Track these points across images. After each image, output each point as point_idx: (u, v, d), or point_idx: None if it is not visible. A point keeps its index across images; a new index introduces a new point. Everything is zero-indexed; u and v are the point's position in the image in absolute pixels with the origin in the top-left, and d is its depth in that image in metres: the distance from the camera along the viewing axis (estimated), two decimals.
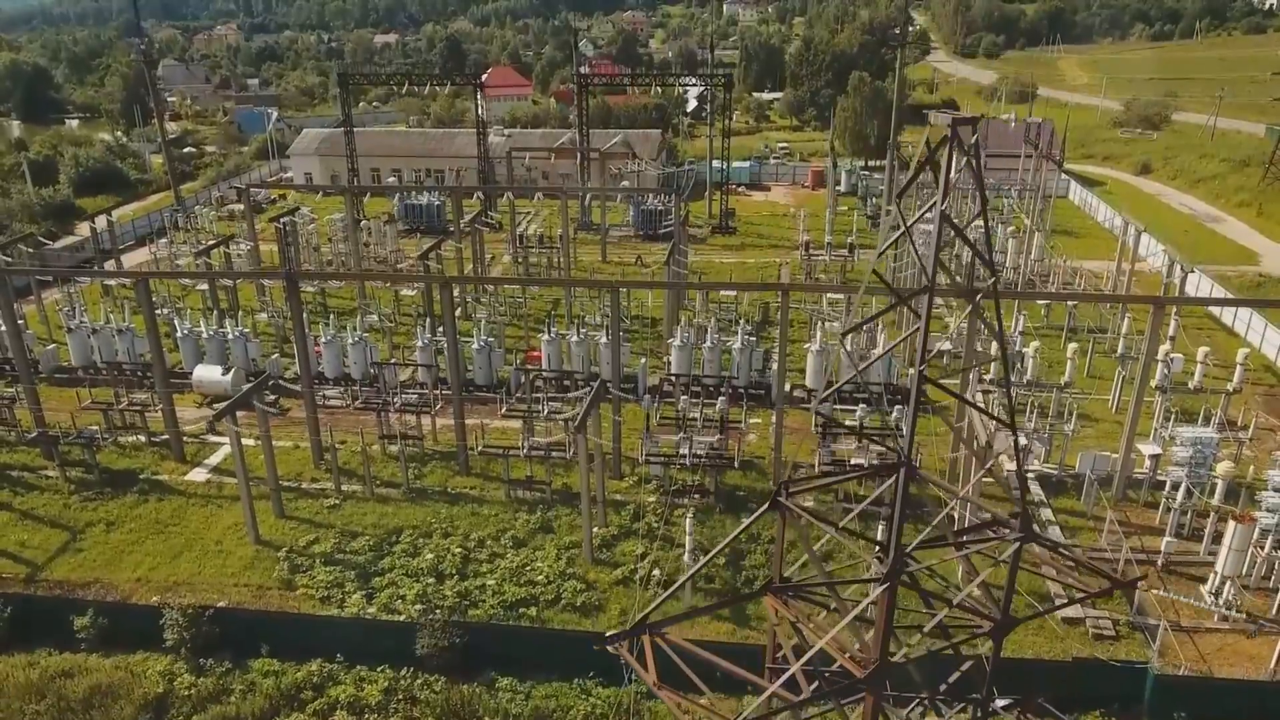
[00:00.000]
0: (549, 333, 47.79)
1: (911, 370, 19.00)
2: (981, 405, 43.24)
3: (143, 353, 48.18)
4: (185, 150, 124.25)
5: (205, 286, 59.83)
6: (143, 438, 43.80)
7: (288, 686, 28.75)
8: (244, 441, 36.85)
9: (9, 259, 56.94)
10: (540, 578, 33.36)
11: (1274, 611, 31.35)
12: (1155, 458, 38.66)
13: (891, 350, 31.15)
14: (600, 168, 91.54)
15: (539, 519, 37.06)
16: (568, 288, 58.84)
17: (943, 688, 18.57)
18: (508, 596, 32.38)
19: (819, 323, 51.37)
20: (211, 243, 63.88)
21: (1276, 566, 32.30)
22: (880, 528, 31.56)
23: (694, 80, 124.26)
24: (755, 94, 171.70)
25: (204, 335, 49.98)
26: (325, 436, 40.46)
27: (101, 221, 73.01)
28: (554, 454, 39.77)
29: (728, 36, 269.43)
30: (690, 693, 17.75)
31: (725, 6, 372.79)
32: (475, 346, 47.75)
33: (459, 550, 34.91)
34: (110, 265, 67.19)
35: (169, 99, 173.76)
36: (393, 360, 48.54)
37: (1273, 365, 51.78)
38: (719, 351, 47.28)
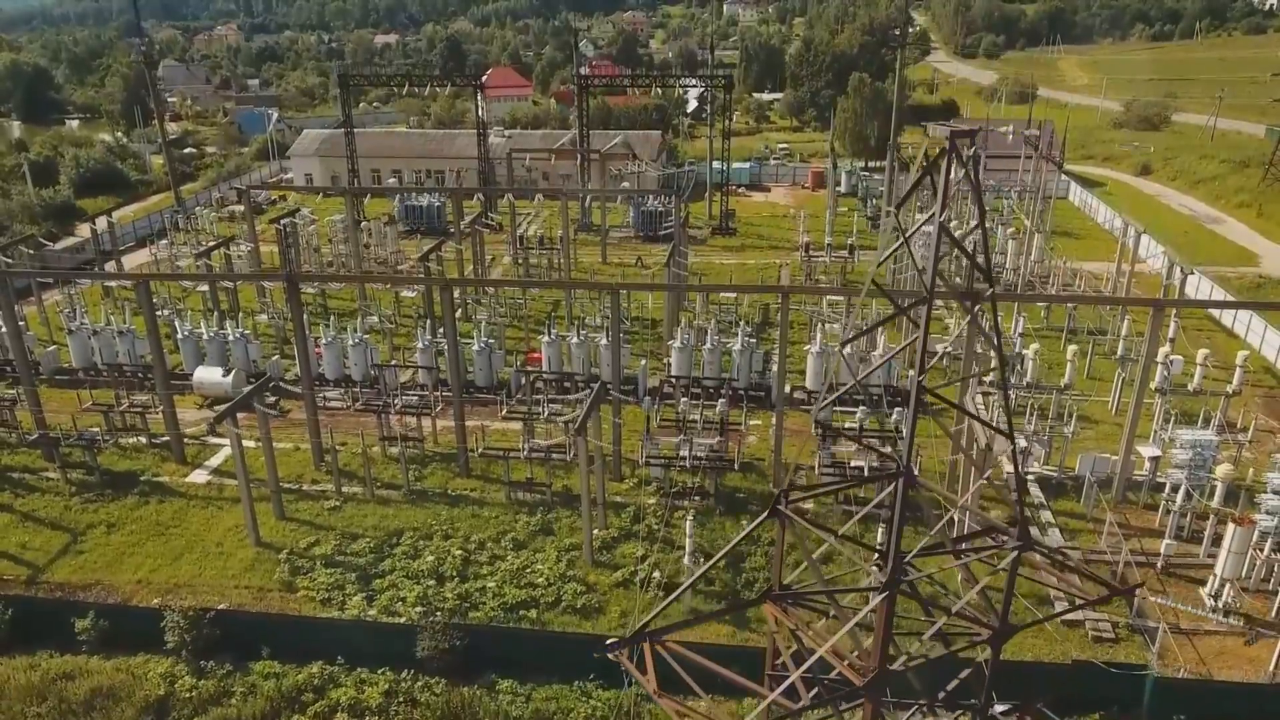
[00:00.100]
0: (549, 334, 47.84)
1: (911, 372, 19.06)
2: (982, 408, 43.28)
3: (143, 354, 48.23)
4: (185, 151, 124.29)
5: (205, 288, 59.89)
6: (143, 439, 43.83)
7: (288, 689, 28.78)
8: (244, 443, 36.89)
9: (10, 260, 56.99)
10: (540, 580, 33.41)
11: (1274, 614, 31.40)
12: (1155, 460, 38.71)
13: (891, 358, 31.20)
14: (600, 169, 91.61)
15: (539, 521, 37.11)
16: (568, 289, 58.90)
17: (941, 695, 18.61)
18: (508, 599, 32.44)
19: (819, 324, 51.41)
20: (212, 244, 63.92)
21: (1276, 569, 32.35)
22: (880, 529, 31.63)
23: (694, 81, 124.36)
24: (755, 95, 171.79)
25: (204, 337, 50.04)
26: (326, 438, 40.52)
27: (102, 222, 73.16)
28: (554, 456, 39.82)
29: (728, 37, 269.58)
30: (691, 695, 17.81)
31: (725, 7, 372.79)
32: (475, 348, 47.81)
33: (459, 552, 34.95)
34: (111, 266, 67.24)
35: (169, 99, 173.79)
36: (393, 362, 48.63)
37: (1272, 367, 51.83)
38: (719, 353, 47.32)
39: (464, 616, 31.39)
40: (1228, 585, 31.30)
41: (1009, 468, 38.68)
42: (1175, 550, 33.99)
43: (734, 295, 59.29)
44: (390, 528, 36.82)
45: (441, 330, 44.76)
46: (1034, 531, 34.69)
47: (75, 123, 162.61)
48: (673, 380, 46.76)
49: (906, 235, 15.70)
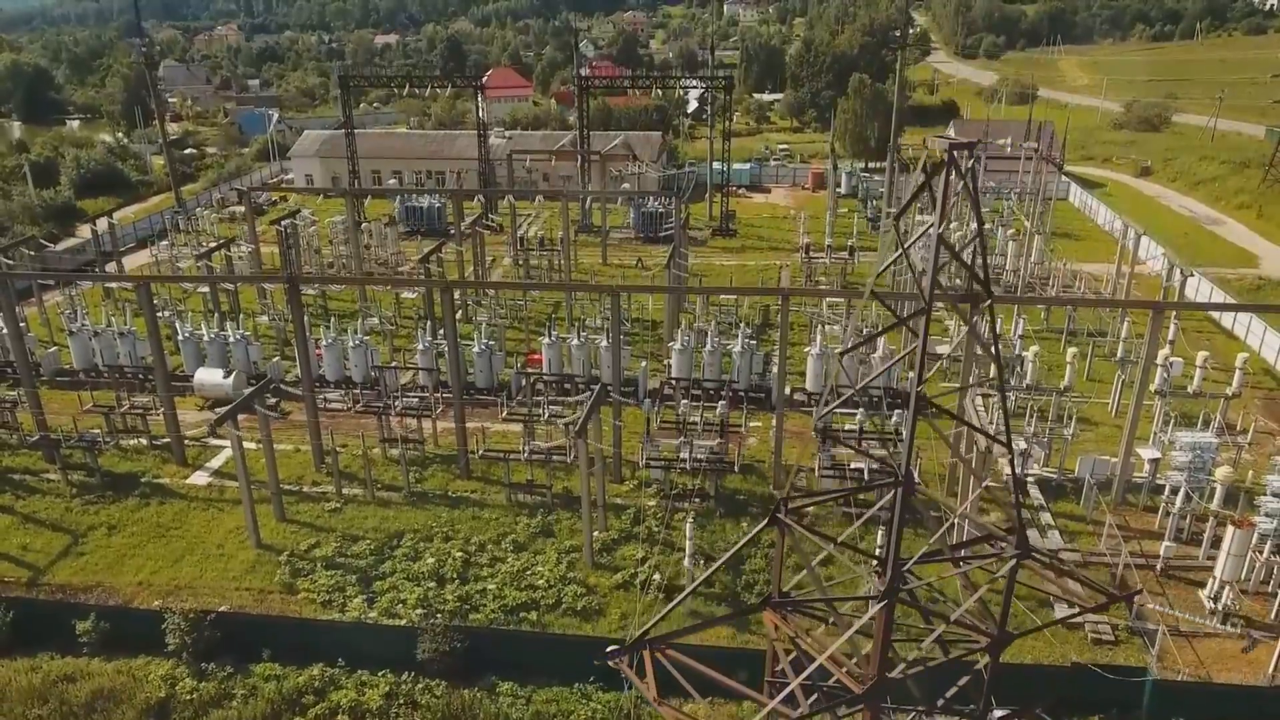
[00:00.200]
0: (550, 336, 47.89)
1: (911, 374, 19.10)
2: (982, 410, 43.34)
3: (144, 356, 48.24)
4: (186, 151, 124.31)
5: (206, 289, 59.94)
6: (144, 441, 43.86)
7: (289, 691, 28.84)
8: (245, 445, 36.92)
9: (10, 261, 57.03)
10: (541, 582, 33.47)
11: (1273, 616, 31.45)
12: (1154, 462, 38.76)
13: (890, 366, 31.28)
14: (601, 170, 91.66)
15: (540, 523, 37.16)
16: (568, 291, 58.95)
17: (940, 703, 18.65)
18: (508, 601, 32.49)
19: (819, 326, 51.44)
20: (213, 245, 63.95)
21: (1275, 571, 32.40)
22: (880, 533, 31.67)
23: (694, 82, 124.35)
24: (756, 95, 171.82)
25: (205, 338, 50.09)
26: (326, 440, 40.57)
27: (102, 223, 73.20)
28: (555, 458, 39.84)
29: (728, 37, 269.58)
30: (692, 699, 17.86)
31: (726, 7, 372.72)
32: (476, 350, 47.86)
33: (460, 554, 35.00)
34: (111, 267, 67.33)
35: (170, 100, 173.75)
36: (394, 363, 48.68)
37: (1272, 369, 51.87)
38: (719, 355, 47.37)
39: (464, 618, 31.44)
40: (1227, 588, 31.35)
41: (1009, 471, 38.67)
42: (1175, 552, 34.05)
43: (734, 297, 59.33)
44: (391, 529, 36.88)
45: (442, 332, 44.80)
46: (1033, 535, 34.78)
47: (76, 123, 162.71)
48: (673, 382, 46.79)
49: (904, 247, 15.73)
